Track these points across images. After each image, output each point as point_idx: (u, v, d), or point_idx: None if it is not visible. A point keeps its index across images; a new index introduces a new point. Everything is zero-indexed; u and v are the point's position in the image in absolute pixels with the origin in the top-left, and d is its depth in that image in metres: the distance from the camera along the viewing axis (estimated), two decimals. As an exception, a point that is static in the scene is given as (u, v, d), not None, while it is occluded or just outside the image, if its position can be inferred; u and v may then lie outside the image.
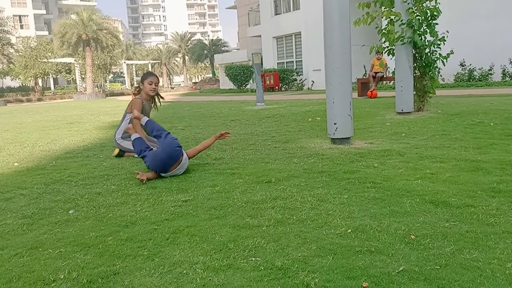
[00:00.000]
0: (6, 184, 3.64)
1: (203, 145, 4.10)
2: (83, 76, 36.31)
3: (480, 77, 15.35)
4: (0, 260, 2.05)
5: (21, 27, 53.09)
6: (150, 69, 50.59)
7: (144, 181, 3.41)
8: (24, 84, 45.52)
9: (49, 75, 41.37)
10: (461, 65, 15.64)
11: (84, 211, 2.76)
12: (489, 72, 15.20)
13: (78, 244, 2.20)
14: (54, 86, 46.52)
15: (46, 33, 55.64)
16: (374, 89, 11.99)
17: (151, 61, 51.81)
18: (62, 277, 1.84)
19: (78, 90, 35.28)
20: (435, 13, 6.58)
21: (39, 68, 37.66)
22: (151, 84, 4.90)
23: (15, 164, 4.59)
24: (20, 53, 37.32)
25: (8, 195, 3.27)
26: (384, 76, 12.61)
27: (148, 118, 4.17)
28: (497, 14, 14.75)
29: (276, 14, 24.83)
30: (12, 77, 41.79)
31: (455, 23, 12.83)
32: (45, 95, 36.06)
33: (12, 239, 2.33)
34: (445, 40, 6.62)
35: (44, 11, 58.53)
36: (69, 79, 48.13)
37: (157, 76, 5.12)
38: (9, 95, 36.32)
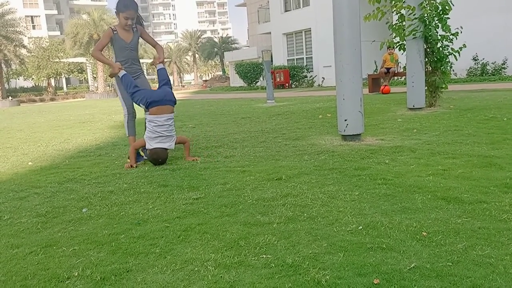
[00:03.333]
0: (21, 183, 3.70)
1: (186, 146, 4.30)
2: (94, 76, 36.64)
3: (493, 71, 15.14)
4: (16, 258, 2.09)
5: (33, 27, 53.68)
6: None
7: (134, 166, 3.99)
8: (37, 84, 46.05)
9: (62, 75, 41.79)
10: (474, 59, 15.44)
11: (97, 210, 2.80)
12: (503, 66, 14.99)
13: (92, 242, 2.23)
14: (67, 85, 47.03)
15: (58, 33, 56.16)
16: (386, 85, 11.90)
17: (162, 60, 51.88)
18: (76, 274, 1.87)
19: (90, 90, 35.62)
20: (446, 7, 6.51)
21: (52, 68, 38.04)
22: (127, 19, 4.23)
23: (29, 163, 4.66)
24: (32, 54, 37.76)
25: (22, 194, 3.32)
26: (396, 71, 12.52)
27: (125, 73, 4.23)
28: (510, 7, 14.52)
29: (285, 11, 24.75)
30: (25, 77, 42.32)
31: (468, 17, 12.68)
32: (58, 95, 36.47)
33: (27, 237, 2.37)
34: (457, 35, 6.54)
35: (55, 12, 59.07)
36: (81, 79, 48.56)
37: (134, 9, 4.28)
38: (22, 95, 36.82)
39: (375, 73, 15.34)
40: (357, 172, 3.28)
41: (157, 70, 4.43)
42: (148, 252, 2.06)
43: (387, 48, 11.86)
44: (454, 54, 6.66)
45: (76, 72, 42.52)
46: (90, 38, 33.90)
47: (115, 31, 4.32)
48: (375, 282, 1.62)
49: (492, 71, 15.20)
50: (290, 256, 1.90)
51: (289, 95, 15.11)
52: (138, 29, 4.47)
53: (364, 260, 1.81)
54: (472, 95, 8.78)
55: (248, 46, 39.76)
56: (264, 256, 1.92)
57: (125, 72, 4.25)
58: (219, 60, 54.28)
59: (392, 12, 6.96)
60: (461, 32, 6.57)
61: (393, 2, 6.79)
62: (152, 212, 2.67)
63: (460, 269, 1.68)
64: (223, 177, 3.42)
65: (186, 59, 63.35)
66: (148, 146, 4.03)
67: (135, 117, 4.52)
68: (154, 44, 4.67)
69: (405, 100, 7.14)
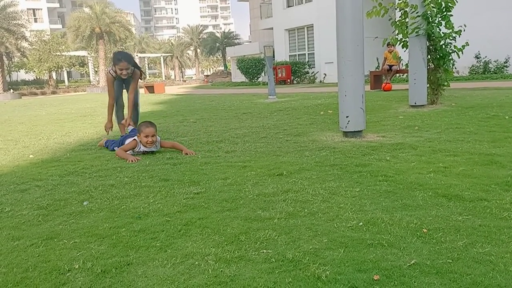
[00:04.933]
0: (22, 176, 3.70)
1: (177, 146, 4.44)
2: (96, 69, 36.62)
3: (496, 69, 15.11)
4: (17, 250, 2.09)
5: (35, 20, 53.64)
6: (162, 62, 50.65)
7: (136, 160, 4.03)
8: (38, 77, 46.04)
9: (63, 68, 41.77)
10: (476, 57, 15.41)
11: (98, 203, 2.80)
12: (505, 64, 14.96)
13: (92, 235, 2.23)
14: (68, 79, 47.01)
15: (60, 26, 56.08)
16: (388, 82, 11.88)
17: (163, 54, 51.89)
18: (77, 267, 1.87)
19: (91, 83, 35.58)
20: (449, 4, 6.49)
21: (53, 62, 38.00)
22: (121, 70, 5.05)
23: (31, 156, 4.66)
24: (34, 47, 37.71)
25: (23, 187, 3.33)
26: (398, 68, 12.48)
27: (112, 141, 4.82)
28: (513, 5, 14.48)
29: (288, 6, 24.68)
30: (27, 70, 42.28)
31: (471, 15, 12.63)
32: (59, 88, 36.43)
33: (28, 230, 2.38)
34: (460, 33, 6.52)
35: (57, 5, 58.98)
36: (82, 72, 48.57)
37: (127, 60, 5.07)
38: (23, 88, 36.81)
39: (377, 70, 15.30)
40: (358, 168, 3.28)
41: (128, 131, 5.12)
42: (148, 245, 2.06)
43: (387, 46, 11.82)
44: (456, 52, 6.65)
45: (78, 66, 42.51)
46: (92, 32, 33.87)
47: (115, 77, 5.21)
48: (375, 278, 1.62)
49: (494, 69, 15.17)
50: (290, 251, 1.91)
51: (291, 91, 15.09)
52: (133, 73, 5.22)
53: (364, 256, 1.82)
54: (474, 93, 8.76)
55: (250, 42, 39.66)
56: (265, 251, 1.93)
57: (112, 141, 4.91)
58: (220, 55, 54.21)
59: (395, 9, 6.95)
60: (464, 30, 6.55)
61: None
62: (153, 206, 2.67)
63: (460, 266, 1.68)
64: (224, 172, 3.42)
65: (188, 54, 63.32)
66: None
67: (123, 108, 5.59)
68: (130, 92, 5.36)
69: (407, 97, 7.13)
